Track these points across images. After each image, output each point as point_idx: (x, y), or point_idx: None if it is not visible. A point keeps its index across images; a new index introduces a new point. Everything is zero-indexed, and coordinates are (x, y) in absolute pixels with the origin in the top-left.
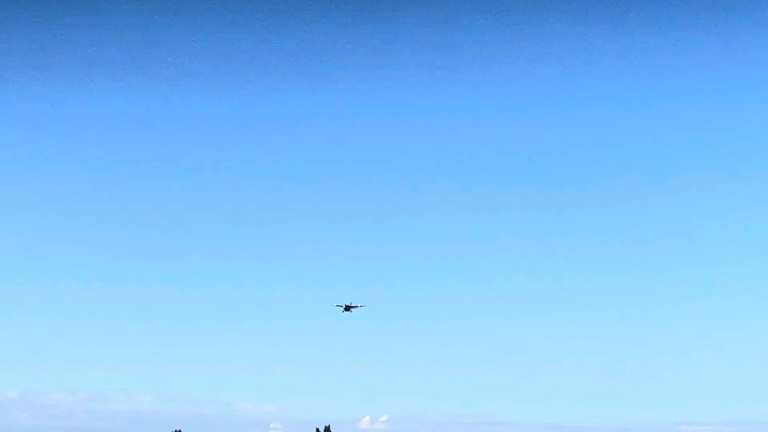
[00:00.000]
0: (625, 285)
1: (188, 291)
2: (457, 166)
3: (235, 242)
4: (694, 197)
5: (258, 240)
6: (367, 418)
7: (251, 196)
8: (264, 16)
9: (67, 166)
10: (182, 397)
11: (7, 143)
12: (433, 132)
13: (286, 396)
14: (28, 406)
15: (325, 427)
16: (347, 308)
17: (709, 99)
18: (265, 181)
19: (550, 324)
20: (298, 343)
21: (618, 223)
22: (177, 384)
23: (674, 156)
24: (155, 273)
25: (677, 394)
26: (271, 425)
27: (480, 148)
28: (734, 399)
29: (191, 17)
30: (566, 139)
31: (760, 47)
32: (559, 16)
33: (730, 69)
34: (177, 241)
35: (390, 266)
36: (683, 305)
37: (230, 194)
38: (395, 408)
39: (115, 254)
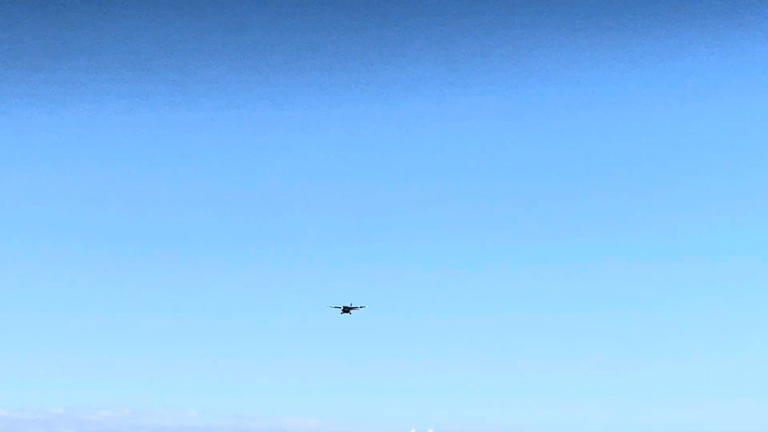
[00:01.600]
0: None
1: (233, 306)
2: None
3: (279, 255)
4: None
5: (301, 249)
6: (413, 431)
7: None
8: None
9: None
10: (227, 412)
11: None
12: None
13: (332, 409)
14: (73, 422)
15: None
16: (345, 310)
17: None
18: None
19: (604, 333)
20: (344, 356)
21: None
22: (222, 398)
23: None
24: (196, 288)
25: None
26: None
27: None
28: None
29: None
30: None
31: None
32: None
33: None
34: (220, 257)
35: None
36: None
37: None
38: (441, 420)
39: (154, 270)
